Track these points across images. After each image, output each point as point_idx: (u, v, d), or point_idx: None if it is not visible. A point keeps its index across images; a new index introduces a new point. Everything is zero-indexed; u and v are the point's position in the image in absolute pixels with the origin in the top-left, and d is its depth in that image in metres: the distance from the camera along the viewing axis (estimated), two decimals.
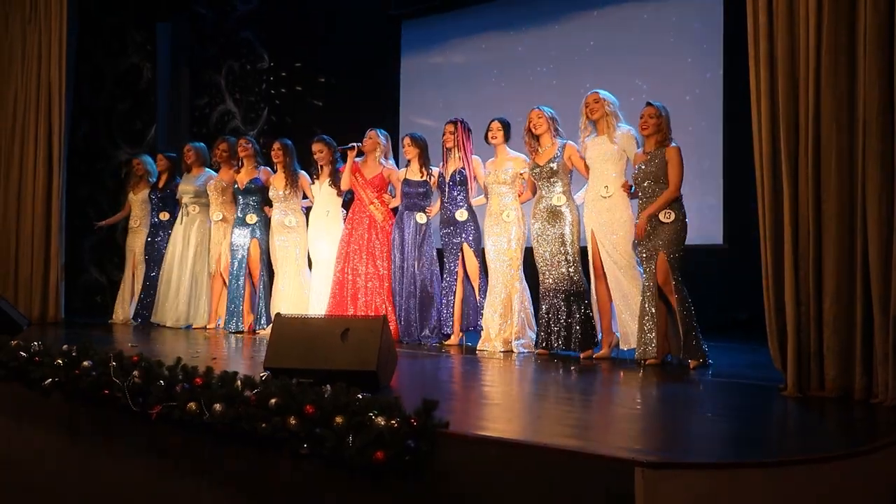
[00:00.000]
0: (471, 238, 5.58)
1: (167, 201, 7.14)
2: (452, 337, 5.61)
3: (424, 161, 5.81)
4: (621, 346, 4.80)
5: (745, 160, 6.25)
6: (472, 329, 5.59)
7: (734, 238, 6.51)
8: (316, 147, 6.20)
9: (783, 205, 3.54)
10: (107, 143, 8.73)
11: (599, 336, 4.93)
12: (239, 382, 3.10)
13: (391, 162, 6.11)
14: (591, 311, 4.93)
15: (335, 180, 6.14)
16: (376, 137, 5.98)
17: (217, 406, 3.04)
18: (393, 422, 2.55)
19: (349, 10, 8.07)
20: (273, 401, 2.88)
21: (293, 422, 2.80)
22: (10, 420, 4.16)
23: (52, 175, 7.38)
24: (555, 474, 2.33)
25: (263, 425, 2.89)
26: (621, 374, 4.28)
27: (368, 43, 8.20)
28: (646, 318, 4.51)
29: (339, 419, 2.67)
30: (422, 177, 5.79)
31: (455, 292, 5.59)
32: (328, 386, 2.85)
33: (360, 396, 2.73)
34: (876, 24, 3.33)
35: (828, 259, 3.43)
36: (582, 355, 4.86)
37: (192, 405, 3.13)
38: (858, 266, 3.37)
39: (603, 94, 4.92)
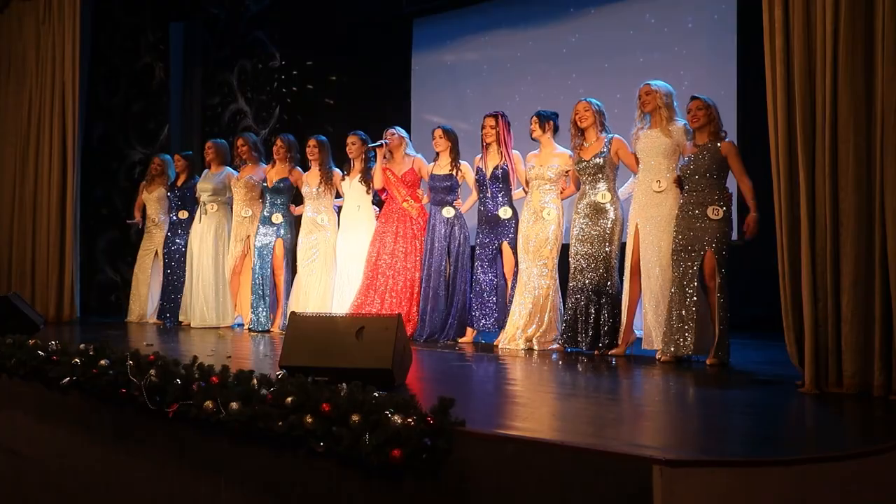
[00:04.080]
0: (512, 237, 5.46)
1: (185, 200, 7.15)
2: (467, 335, 5.59)
3: (455, 155, 5.77)
4: (644, 346, 4.71)
5: (759, 155, 6.26)
6: (499, 328, 5.51)
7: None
8: (349, 140, 6.20)
9: (800, 200, 3.51)
10: (121, 143, 8.78)
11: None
12: (255, 381, 3.12)
13: (419, 154, 6.08)
14: (620, 315, 4.82)
15: (366, 177, 6.12)
16: (398, 133, 5.99)
17: (233, 404, 3.05)
18: (409, 420, 2.56)
19: (360, 8, 8.06)
20: (289, 399, 2.89)
21: (309, 420, 2.81)
22: (30, 419, 4.20)
23: (66, 175, 7.44)
24: (572, 472, 2.32)
25: (279, 424, 2.89)
26: (638, 371, 4.25)
27: (380, 41, 8.19)
28: (682, 312, 4.39)
29: (355, 417, 2.67)
30: (450, 171, 5.75)
31: (491, 291, 5.51)
32: (344, 384, 2.86)
33: (376, 395, 2.74)
34: (894, 19, 3.30)
35: (845, 254, 3.40)
36: (596, 352, 4.84)
37: (209, 404, 3.14)
38: (877, 261, 3.34)
39: (655, 84, 4.75)
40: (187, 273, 6.92)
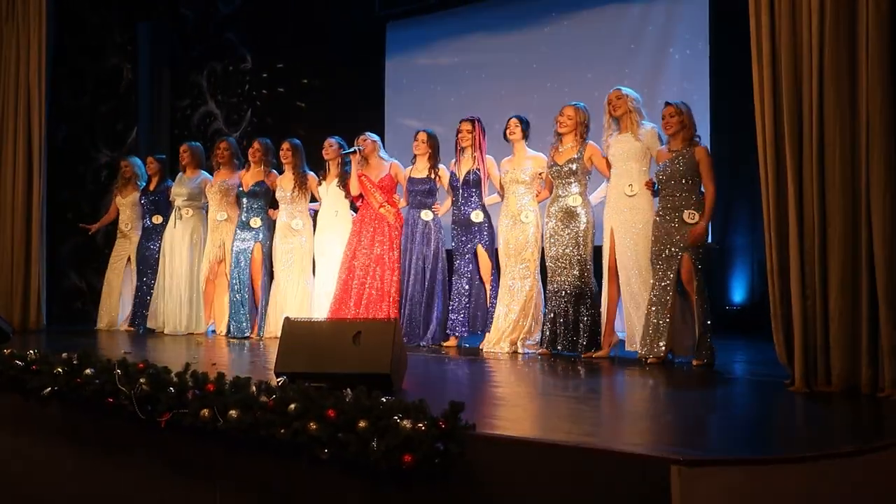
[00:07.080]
0: (486, 240, 5.50)
1: (159, 205, 6.97)
2: (451, 339, 5.57)
3: (435, 160, 5.76)
4: (627, 347, 4.77)
5: (732, 155, 6.39)
6: (481, 332, 5.51)
7: (721, 233, 6.57)
8: (326, 142, 6.15)
9: (787, 200, 3.58)
10: (88, 146, 8.56)
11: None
12: (254, 388, 3.06)
13: (394, 158, 6.06)
14: (599, 315, 4.89)
15: (343, 182, 6.06)
16: (370, 138, 5.96)
17: (232, 412, 2.99)
18: (420, 424, 2.54)
19: (333, 11, 7.99)
20: (292, 406, 2.84)
21: (314, 427, 2.77)
22: (7, 433, 4.05)
23: (32, 178, 7.19)
24: (587, 474, 2.32)
25: (282, 431, 2.85)
26: (626, 373, 4.28)
27: (352, 44, 8.13)
28: (658, 316, 4.46)
29: (362, 423, 2.64)
30: (428, 175, 5.74)
31: (468, 294, 5.53)
32: (349, 390, 2.82)
33: (383, 399, 2.71)
34: (877, 22, 3.39)
35: (832, 253, 3.48)
36: (583, 354, 4.87)
37: (205, 412, 3.08)
38: (863, 260, 3.43)
39: (625, 90, 4.86)
40: (158, 278, 6.75)
